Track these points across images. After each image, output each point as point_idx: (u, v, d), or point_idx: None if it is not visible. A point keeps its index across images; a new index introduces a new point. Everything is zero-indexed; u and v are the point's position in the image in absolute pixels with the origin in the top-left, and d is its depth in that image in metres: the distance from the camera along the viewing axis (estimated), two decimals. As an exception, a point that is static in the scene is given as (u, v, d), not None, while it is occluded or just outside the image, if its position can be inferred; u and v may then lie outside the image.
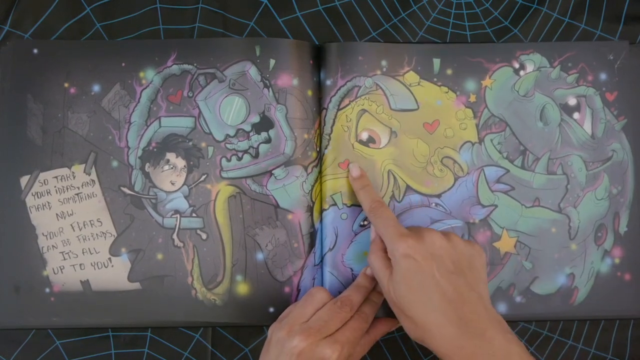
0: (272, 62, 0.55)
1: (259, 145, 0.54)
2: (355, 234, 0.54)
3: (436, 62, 0.56)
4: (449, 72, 0.56)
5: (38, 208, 0.54)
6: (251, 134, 0.55)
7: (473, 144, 0.56)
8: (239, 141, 0.55)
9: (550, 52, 0.57)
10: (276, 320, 0.48)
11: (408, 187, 0.55)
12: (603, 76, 0.57)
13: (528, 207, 0.55)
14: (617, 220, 0.56)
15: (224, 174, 0.54)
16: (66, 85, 0.56)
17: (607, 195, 0.56)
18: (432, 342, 0.44)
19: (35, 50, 0.56)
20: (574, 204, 0.56)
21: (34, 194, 0.55)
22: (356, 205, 0.54)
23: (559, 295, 0.55)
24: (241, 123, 0.55)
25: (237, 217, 0.54)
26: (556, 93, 0.57)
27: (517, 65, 0.57)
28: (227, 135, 0.55)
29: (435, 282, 0.44)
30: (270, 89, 0.55)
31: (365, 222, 0.54)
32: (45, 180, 0.55)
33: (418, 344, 0.56)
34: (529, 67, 0.57)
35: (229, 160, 0.54)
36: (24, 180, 0.55)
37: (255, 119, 0.55)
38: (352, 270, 0.53)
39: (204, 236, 0.54)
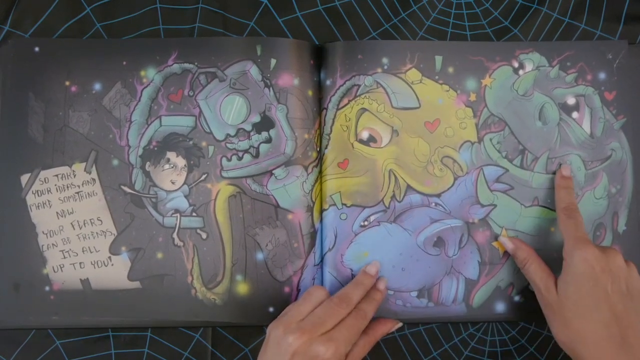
0: (273, 61, 0.55)
1: (259, 144, 0.54)
2: (355, 235, 0.54)
3: (438, 59, 0.56)
4: (451, 70, 0.56)
5: (38, 206, 0.54)
6: (252, 133, 0.55)
7: (472, 144, 0.56)
8: (240, 141, 0.55)
9: (549, 52, 0.57)
10: (275, 319, 0.48)
11: (408, 187, 0.55)
12: (602, 75, 0.57)
13: (527, 207, 0.55)
14: (615, 219, 0.56)
15: (224, 174, 0.54)
16: (67, 83, 0.56)
17: (606, 195, 0.56)
18: (582, 350, 0.44)
19: (37, 49, 0.56)
20: None
21: (34, 192, 0.55)
22: (355, 205, 0.54)
23: None
24: (242, 122, 0.55)
25: (237, 217, 0.54)
26: (555, 92, 0.57)
27: (516, 65, 0.57)
28: (228, 135, 0.55)
29: (607, 295, 0.45)
30: (271, 88, 0.55)
31: (366, 223, 0.54)
32: (46, 179, 0.55)
33: (418, 344, 0.56)
34: (528, 67, 0.57)
35: (229, 159, 0.54)
36: (24, 178, 0.55)
37: (256, 118, 0.55)
38: (351, 270, 0.53)
39: (204, 235, 0.54)
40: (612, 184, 0.56)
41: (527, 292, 0.54)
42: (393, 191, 0.54)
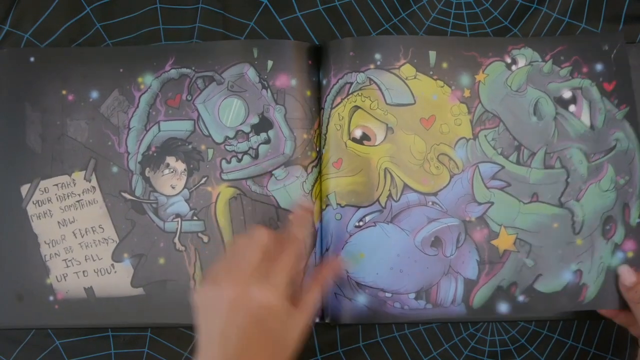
0: (270, 63, 0.55)
1: (258, 146, 0.54)
2: (350, 235, 0.53)
3: (432, 54, 0.55)
4: (445, 65, 0.55)
5: (39, 216, 0.54)
6: (250, 135, 0.54)
7: (467, 140, 0.55)
8: (239, 142, 0.54)
9: (542, 47, 0.56)
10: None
11: (405, 186, 0.54)
12: (599, 67, 0.56)
13: (526, 203, 0.54)
14: (627, 212, 0.54)
15: (224, 176, 0.54)
16: (64, 92, 0.56)
17: (613, 187, 0.54)
18: None
19: (32, 59, 0.56)
20: (576, 197, 0.54)
21: (34, 202, 0.54)
22: (350, 205, 0.53)
23: (566, 293, 0.53)
24: (240, 124, 0.55)
25: (238, 219, 0.53)
26: (549, 87, 0.56)
27: (509, 60, 0.56)
28: (227, 137, 0.54)
29: None
30: (268, 89, 0.55)
31: (361, 223, 0.53)
32: (46, 189, 0.55)
33: (418, 344, 0.55)
34: (521, 62, 0.56)
35: (228, 162, 0.54)
36: (24, 189, 0.55)
37: (255, 120, 0.54)
38: (347, 272, 0.52)
39: (205, 239, 0.53)
40: (620, 175, 0.54)
41: (532, 292, 0.53)
42: (389, 190, 0.53)
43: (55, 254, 0.54)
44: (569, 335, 0.56)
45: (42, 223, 0.54)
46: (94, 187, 0.55)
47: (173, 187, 0.54)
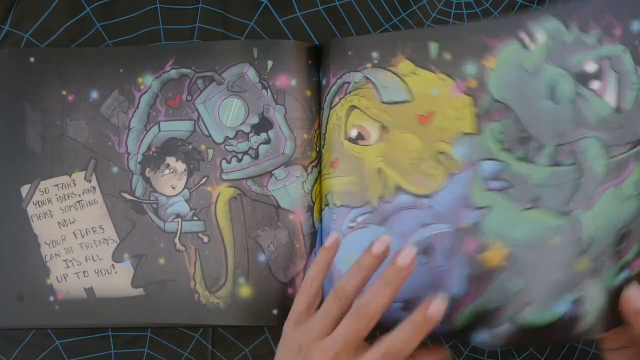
0: (270, 63, 0.55)
1: (258, 146, 0.54)
2: (344, 236, 0.51)
3: (433, 46, 0.50)
4: (448, 56, 0.50)
5: (39, 217, 0.54)
6: (250, 135, 0.54)
7: (470, 136, 0.48)
8: (239, 143, 0.54)
9: (567, 12, 0.45)
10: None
11: (398, 187, 0.51)
12: (636, 26, 0.43)
13: (526, 210, 0.45)
14: None
15: (224, 176, 0.54)
16: (64, 92, 0.55)
17: (637, 193, 0.41)
18: None
19: (32, 59, 0.56)
20: (587, 204, 0.42)
21: (35, 202, 0.54)
22: (344, 205, 0.52)
23: (558, 327, 0.43)
24: (240, 124, 0.55)
25: (238, 219, 0.53)
26: (571, 60, 0.45)
27: (525, 38, 0.47)
28: (227, 137, 0.54)
29: None
30: (268, 89, 0.55)
31: (354, 224, 0.52)
32: (46, 189, 0.55)
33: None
34: (541, 38, 0.46)
35: (229, 162, 0.54)
36: (24, 189, 0.55)
37: (254, 120, 0.54)
38: (340, 273, 0.51)
39: (205, 239, 0.53)
40: None
41: (519, 320, 0.43)
42: (382, 191, 0.51)
43: (56, 254, 0.54)
44: (569, 336, 0.56)
45: (43, 223, 0.54)
46: (94, 188, 0.55)
47: (173, 188, 0.54)
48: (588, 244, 0.42)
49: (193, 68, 0.55)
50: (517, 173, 0.46)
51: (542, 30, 0.46)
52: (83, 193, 0.55)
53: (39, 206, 0.54)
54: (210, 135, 0.55)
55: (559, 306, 0.42)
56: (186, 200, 0.54)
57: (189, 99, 0.55)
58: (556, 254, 0.43)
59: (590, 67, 0.44)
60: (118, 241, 0.54)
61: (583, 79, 0.44)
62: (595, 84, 0.44)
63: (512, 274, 0.44)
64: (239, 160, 0.54)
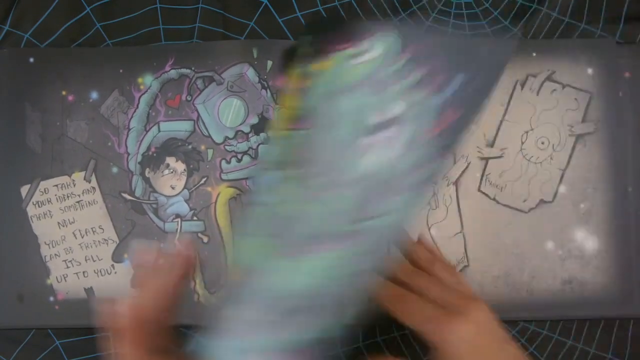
0: (270, 63, 0.55)
1: (258, 146, 0.54)
2: None
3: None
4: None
5: (39, 217, 0.54)
6: (250, 135, 0.54)
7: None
8: (238, 143, 0.54)
9: (410, 40, 0.35)
10: None
11: None
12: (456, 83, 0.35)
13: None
14: None
15: (224, 176, 0.54)
16: (64, 93, 0.55)
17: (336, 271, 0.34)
18: None
19: (32, 59, 0.56)
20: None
21: (34, 203, 0.54)
22: None
23: None
24: (240, 125, 0.55)
25: (238, 219, 0.53)
26: (386, 91, 0.34)
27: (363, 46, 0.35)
28: (226, 137, 0.54)
29: None
30: (268, 90, 0.55)
31: None
32: (46, 189, 0.55)
33: (419, 344, 0.55)
34: (378, 50, 0.35)
35: (228, 162, 0.54)
36: (24, 189, 0.55)
37: (254, 120, 0.54)
38: None
39: (205, 239, 0.53)
40: None
41: None
42: None
43: (56, 254, 0.54)
44: (569, 335, 0.56)
45: (42, 224, 0.54)
46: (93, 188, 0.55)
47: (173, 188, 0.54)
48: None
49: (193, 68, 0.55)
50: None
51: (382, 44, 0.35)
52: (83, 193, 0.55)
53: (39, 206, 0.54)
54: (210, 136, 0.55)
55: None
56: (186, 201, 0.54)
57: (189, 99, 0.55)
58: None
59: (398, 108, 0.34)
60: (118, 241, 0.54)
61: (381, 123, 0.34)
62: (391, 131, 0.34)
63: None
64: (239, 161, 0.54)
